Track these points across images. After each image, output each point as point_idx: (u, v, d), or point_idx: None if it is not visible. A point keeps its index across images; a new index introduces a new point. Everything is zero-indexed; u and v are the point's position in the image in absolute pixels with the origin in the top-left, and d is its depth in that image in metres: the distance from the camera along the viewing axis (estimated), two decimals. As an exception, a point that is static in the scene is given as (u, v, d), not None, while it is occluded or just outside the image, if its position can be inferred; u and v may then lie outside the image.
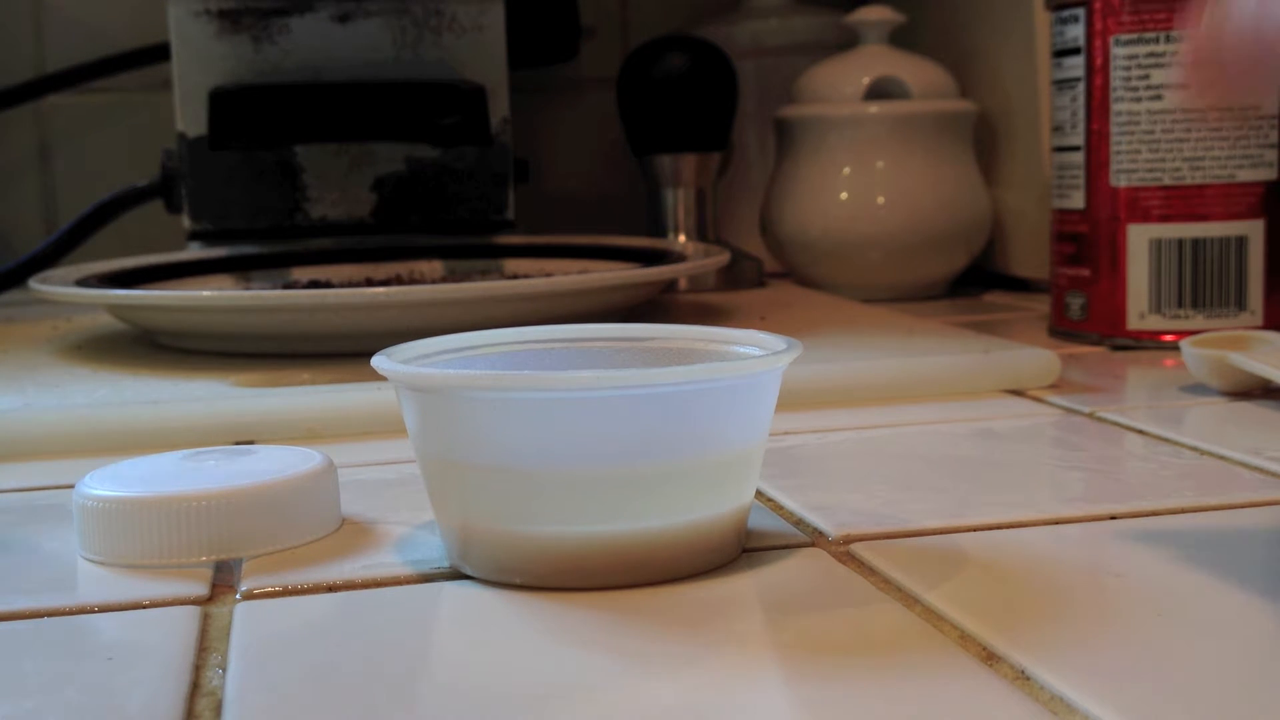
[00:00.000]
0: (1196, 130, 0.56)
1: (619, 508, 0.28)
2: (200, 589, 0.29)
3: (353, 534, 0.33)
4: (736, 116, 0.79)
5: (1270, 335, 0.49)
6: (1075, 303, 0.60)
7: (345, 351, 0.52)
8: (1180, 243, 0.56)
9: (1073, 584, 0.28)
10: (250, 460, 0.33)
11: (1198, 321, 0.57)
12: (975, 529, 0.32)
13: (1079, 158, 0.59)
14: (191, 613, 0.28)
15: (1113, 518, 0.33)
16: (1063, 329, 0.61)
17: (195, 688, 0.24)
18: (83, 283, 0.57)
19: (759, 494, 0.36)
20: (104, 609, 0.28)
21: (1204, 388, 0.48)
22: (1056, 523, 0.32)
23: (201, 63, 0.71)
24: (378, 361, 0.30)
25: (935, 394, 0.48)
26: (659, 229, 0.79)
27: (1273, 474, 0.36)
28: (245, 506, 0.31)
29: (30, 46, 0.90)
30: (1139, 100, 0.56)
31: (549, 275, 0.64)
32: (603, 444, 0.28)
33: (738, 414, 0.29)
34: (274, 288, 0.66)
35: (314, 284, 0.67)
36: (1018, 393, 0.49)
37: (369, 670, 0.25)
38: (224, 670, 0.25)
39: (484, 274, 0.70)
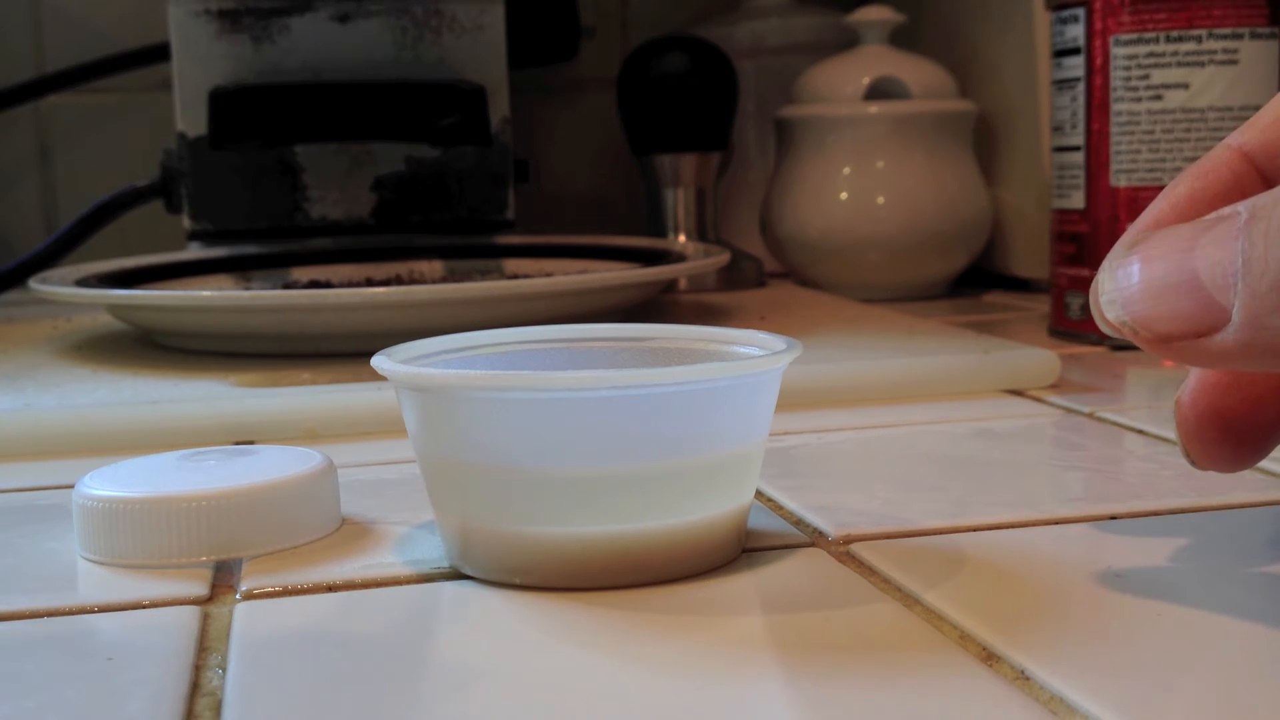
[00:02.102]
0: (1196, 130, 0.56)
1: (619, 508, 0.28)
2: (200, 589, 0.29)
3: (353, 534, 0.33)
4: (736, 116, 0.79)
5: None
6: (1075, 303, 0.60)
7: (345, 351, 0.52)
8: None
9: (1073, 584, 0.28)
10: (250, 460, 0.33)
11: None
12: (975, 529, 0.32)
13: (1079, 158, 0.59)
14: (191, 613, 0.28)
15: (1113, 518, 0.33)
16: (1063, 329, 0.61)
17: (195, 688, 0.24)
18: (83, 283, 0.57)
19: (759, 494, 0.36)
20: (104, 609, 0.28)
21: (1204, 388, 0.48)
22: (1056, 523, 0.32)
23: (201, 63, 0.71)
24: (378, 361, 0.30)
25: (935, 394, 0.48)
26: (659, 229, 0.79)
27: (1273, 474, 0.36)
28: (245, 506, 0.31)
29: (30, 46, 0.90)
30: (1139, 100, 0.56)
31: (549, 275, 0.64)
32: (603, 444, 0.28)
33: (738, 414, 0.29)
34: (274, 288, 0.66)
35: (314, 284, 0.67)
36: (1018, 393, 0.49)
37: (369, 670, 0.25)
38: (224, 670, 0.25)
39: (484, 274, 0.70)
